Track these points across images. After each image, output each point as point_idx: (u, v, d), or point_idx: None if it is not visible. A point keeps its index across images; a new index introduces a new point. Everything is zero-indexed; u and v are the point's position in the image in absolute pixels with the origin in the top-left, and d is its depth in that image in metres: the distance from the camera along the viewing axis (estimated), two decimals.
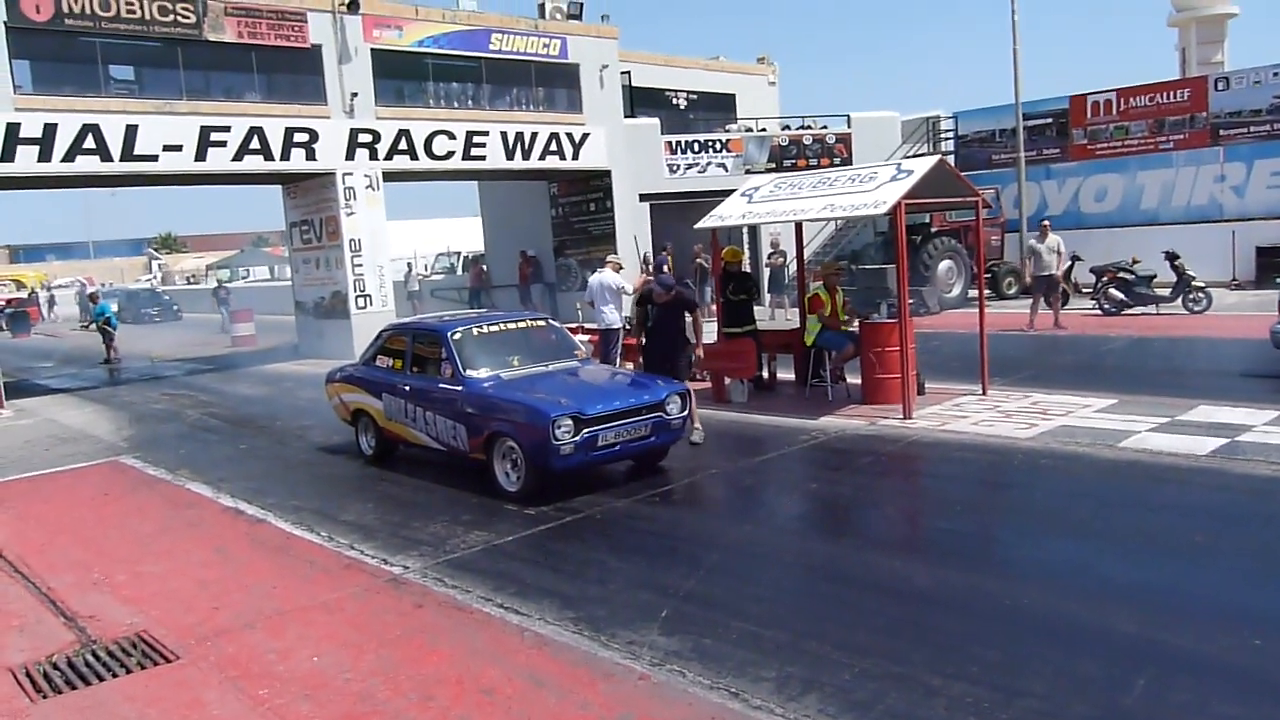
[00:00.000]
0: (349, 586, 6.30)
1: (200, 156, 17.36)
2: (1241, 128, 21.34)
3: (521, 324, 9.68)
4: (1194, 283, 16.89)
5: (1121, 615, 5.02)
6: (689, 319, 10.33)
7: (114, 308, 24.53)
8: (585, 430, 7.71)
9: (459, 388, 8.54)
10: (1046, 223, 17.12)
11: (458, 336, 8.89)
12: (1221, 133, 21.61)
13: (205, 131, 17.32)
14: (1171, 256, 17.12)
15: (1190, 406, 9.47)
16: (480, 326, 9.22)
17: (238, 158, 17.81)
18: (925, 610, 5.36)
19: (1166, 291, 17.09)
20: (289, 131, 18.40)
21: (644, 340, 10.34)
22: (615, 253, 18.89)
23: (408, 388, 9.21)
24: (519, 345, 9.19)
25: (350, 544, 7.24)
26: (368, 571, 6.59)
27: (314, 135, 18.75)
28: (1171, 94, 22.53)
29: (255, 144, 17.93)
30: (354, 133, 19.32)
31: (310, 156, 18.80)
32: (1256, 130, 21.12)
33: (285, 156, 18.43)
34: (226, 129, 17.59)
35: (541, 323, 9.95)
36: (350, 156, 19.33)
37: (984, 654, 4.72)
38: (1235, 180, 21.41)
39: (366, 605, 5.96)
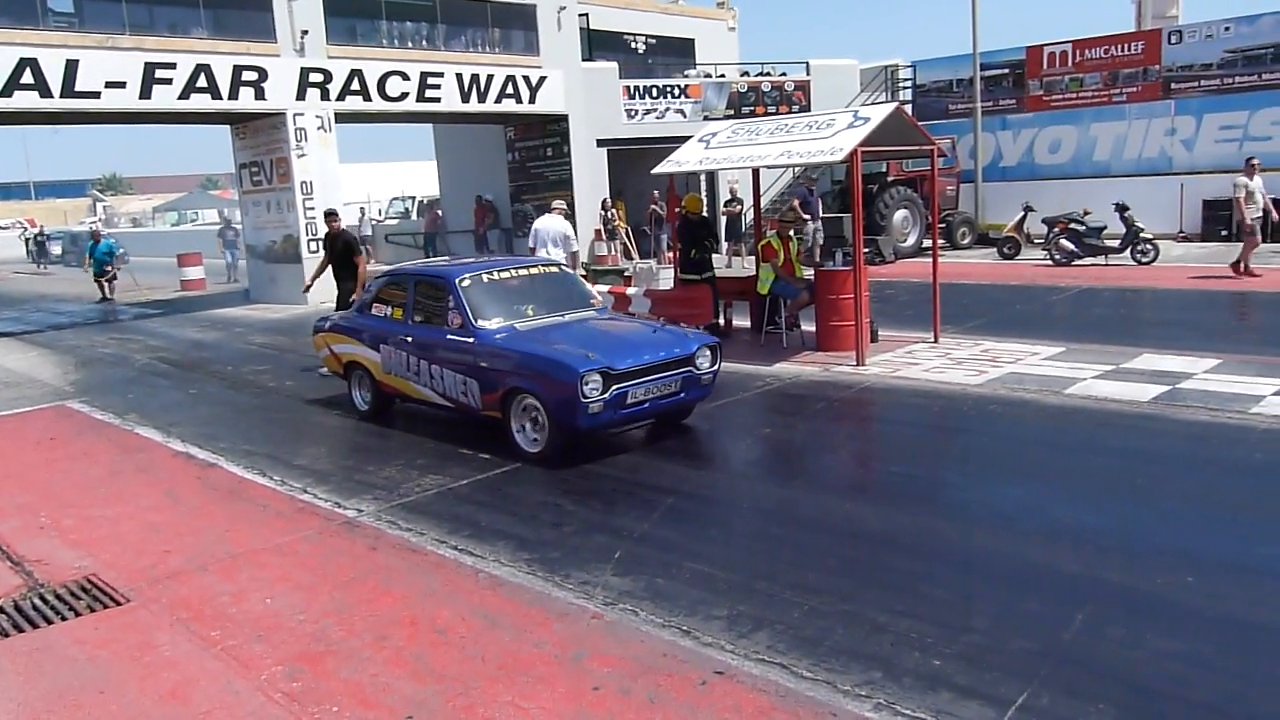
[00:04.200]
0: (302, 530, 6.28)
1: (145, 94, 16.82)
2: (1192, 81, 21.54)
3: (534, 270, 8.98)
4: (1142, 234, 17.15)
5: (1065, 555, 5.15)
6: None
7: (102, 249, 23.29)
8: (615, 386, 7.13)
9: (470, 339, 7.86)
10: (1257, 160, 15.76)
11: (467, 283, 8.17)
12: (1173, 86, 21.79)
13: (150, 68, 16.76)
14: (1122, 208, 17.36)
15: (1134, 355, 9.67)
16: (490, 273, 8.50)
17: (184, 96, 17.28)
18: (875, 551, 5.47)
19: (1116, 243, 17.34)
20: (237, 69, 17.87)
21: None
22: (572, 198, 18.72)
23: (410, 339, 8.50)
24: (532, 293, 8.51)
25: (303, 488, 7.20)
26: (321, 515, 6.56)
27: (263, 74, 18.24)
28: (1126, 46, 22.62)
29: (202, 82, 17.39)
30: (305, 72, 18.82)
31: (259, 96, 18.30)
32: (1207, 84, 21.32)
33: (234, 95, 17.92)
34: (172, 66, 17.04)
35: (555, 270, 9.26)
36: (301, 96, 18.86)
37: (931, 592, 4.84)
38: (1185, 134, 21.64)
39: (320, 548, 5.95)
